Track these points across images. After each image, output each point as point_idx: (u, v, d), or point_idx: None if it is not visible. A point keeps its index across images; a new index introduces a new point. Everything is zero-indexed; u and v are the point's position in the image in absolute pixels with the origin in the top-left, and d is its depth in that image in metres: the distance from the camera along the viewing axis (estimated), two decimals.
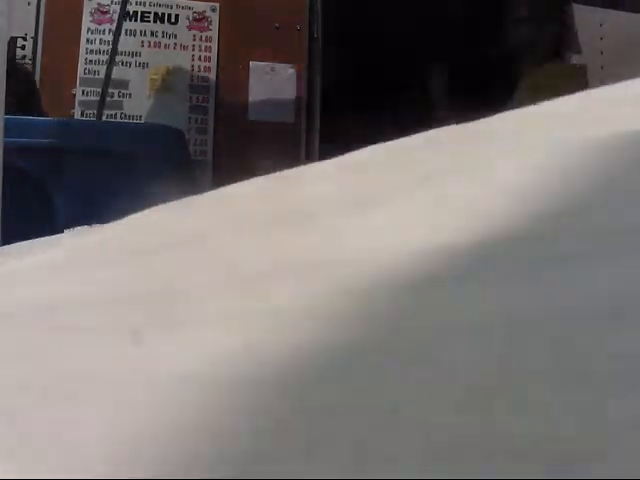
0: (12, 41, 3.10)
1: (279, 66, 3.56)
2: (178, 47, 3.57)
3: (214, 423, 0.32)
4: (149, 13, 3.58)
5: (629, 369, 0.29)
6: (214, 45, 3.58)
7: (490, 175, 0.51)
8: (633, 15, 3.81)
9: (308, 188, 0.59)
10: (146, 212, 0.61)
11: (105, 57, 3.38)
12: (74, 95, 3.46)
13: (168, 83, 3.55)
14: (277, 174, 0.62)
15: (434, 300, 0.38)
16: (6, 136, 1.95)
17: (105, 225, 0.64)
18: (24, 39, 3.46)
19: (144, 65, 3.55)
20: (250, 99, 3.54)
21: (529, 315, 0.34)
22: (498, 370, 0.31)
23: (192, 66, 3.56)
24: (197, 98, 3.56)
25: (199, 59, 3.57)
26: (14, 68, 3.12)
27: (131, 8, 3.53)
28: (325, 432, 0.30)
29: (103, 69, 3.27)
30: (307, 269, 0.45)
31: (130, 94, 3.52)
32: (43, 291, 0.53)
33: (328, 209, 0.53)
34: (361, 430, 0.30)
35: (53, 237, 0.67)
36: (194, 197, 0.61)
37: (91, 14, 3.55)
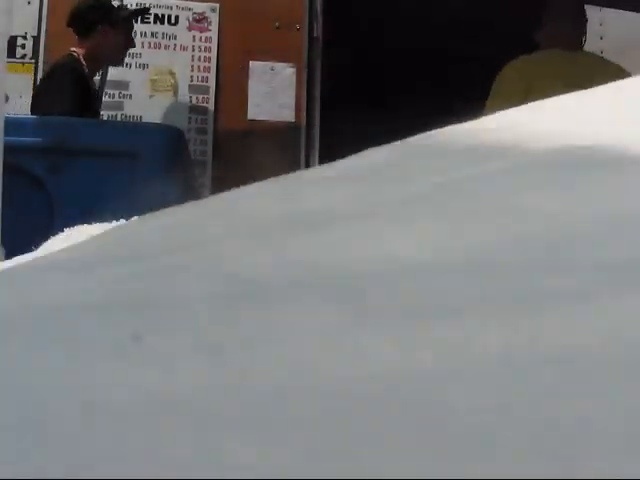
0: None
1: (279, 66, 3.56)
2: (178, 48, 3.57)
3: None
4: (149, 14, 3.58)
5: None
6: (214, 45, 3.58)
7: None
8: (633, 15, 3.80)
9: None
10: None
11: None
12: None
13: (168, 83, 3.55)
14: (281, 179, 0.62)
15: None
16: (6, 136, 1.95)
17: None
18: (24, 38, 3.46)
19: (144, 66, 3.55)
20: (250, 99, 3.54)
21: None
22: None
23: (192, 66, 3.56)
24: (197, 98, 3.56)
25: (199, 59, 3.57)
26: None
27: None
28: None
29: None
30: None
31: (130, 95, 3.52)
32: None
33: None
34: None
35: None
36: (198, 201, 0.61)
37: None
